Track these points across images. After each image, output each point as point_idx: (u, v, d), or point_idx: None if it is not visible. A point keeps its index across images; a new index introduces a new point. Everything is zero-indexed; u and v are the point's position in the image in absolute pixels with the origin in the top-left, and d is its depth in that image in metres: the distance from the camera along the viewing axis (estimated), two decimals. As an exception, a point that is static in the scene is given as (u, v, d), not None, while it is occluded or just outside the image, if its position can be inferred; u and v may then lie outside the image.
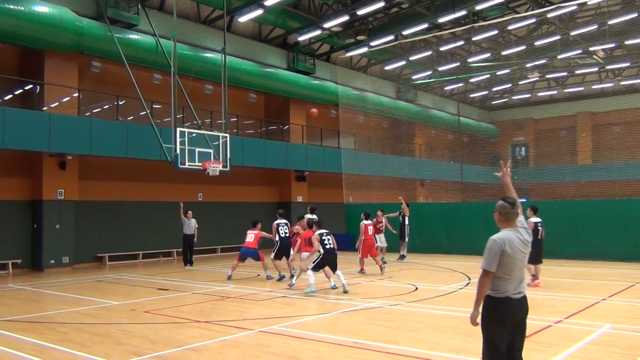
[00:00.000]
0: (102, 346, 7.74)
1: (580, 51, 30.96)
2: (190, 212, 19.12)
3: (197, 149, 17.89)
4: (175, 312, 10.40)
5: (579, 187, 34.75)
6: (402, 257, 19.73)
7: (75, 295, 12.72)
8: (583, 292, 12.20)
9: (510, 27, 28.03)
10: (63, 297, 12.62)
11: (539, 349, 7.23)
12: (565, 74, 37.78)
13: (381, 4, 22.90)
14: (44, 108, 18.65)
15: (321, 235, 12.74)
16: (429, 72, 34.51)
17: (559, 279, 14.79)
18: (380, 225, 19.01)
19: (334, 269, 12.68)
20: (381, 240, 18.91)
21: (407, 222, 19.68)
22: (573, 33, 28.32)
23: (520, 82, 39.52)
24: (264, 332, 8.47)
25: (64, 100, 19.35)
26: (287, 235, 15.16)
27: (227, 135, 18.80)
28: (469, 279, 14.51)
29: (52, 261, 18.65)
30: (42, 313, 10.52)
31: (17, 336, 8.48)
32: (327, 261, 12.61)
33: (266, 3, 21.43)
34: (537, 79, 38.31)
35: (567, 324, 8.83)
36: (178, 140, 17.17)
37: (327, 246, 12.57)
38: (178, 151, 17.18)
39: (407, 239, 19.78)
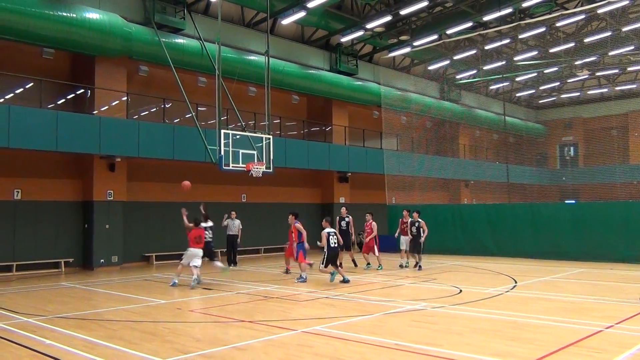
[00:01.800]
0: (150, 344, 7.93)
1: (632, 47, 29.93)
2: (234, 212, 19.37)
3: (241, 151, 18.10)
4: (220, 312, 10.56)
5: (631, 187, 33.56)
6: (419, 267, 17.43)
7: (124, 294, 13.08)
8: (636, 296, 11.76)
9: (558, 24, 27.33)
10: (112, 295, 12.99)
11: (589, 355, 7.03)
12: (616, 71, 36.60)
13: (425, 3, 22.68)
14: (95, 112, 19.25)
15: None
16: (474, 72, 34.00)
17: (610, 282, 14.35)
18: (405, 226, 18.00)
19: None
20: (406, 243, 17.98)
21: (422, 234, 17.23)
22: (625, 29, 27.40)
23: (569, 80, 38.50)
24: (307, 333, 8.51)
25: (114, 104, 19.95)
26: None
27: (271, 136, 18.96)
28: (515, 282, 14.22)
29: (102, 260, 19.22)
30: (93, 310, 10.85)
31: (69, 332, 8.78)
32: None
33: (309, 5, 21.54)
34: (586, 76, 37.23)
35: (618, 329, 8.55)
36: (222, 142, 17.41)
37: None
38: (222, 153, 17.42)
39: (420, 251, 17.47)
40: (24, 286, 14.95)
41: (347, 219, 17.79)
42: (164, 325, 9.31)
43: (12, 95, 18.97)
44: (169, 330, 8.84)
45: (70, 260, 19.17)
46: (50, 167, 19.07)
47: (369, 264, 18.16)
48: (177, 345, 7.79)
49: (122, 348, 7.67)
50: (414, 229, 17.27)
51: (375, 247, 17.80)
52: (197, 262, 13.97)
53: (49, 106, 18.94)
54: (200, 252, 14.14)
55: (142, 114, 21.81)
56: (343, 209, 18.48)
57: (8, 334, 8.69)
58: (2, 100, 18.58)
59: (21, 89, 19.09)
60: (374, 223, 17.90)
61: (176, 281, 14.18)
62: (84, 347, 7.75)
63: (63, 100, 20.05)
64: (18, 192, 18.38)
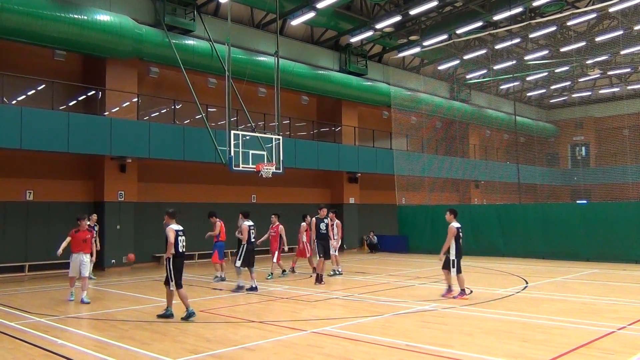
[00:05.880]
0: (160, 344, 7.97)
1: (644, 46, 29.69)
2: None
3: (251, 151, 18.15)
4: (230, 312, 10.59)
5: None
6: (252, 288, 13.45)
7: (135, 294, 13.14)
8: (648, 298, 11.67)
9: (569, 23, 27.14)
10: (123, 296, 13.05)
11: (601, 356, 6.98)
12: (628, 70, 36.27)
13: (434, 3, 22.60)
14: (105, 113, 19.36)
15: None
16: (484, 71, 33.85)
17: (623, 283, 14.23)
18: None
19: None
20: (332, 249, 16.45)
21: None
22: (637, 27, 27.18)
23: (580, 80, 38.21)
24: (317, 333, 8.51)
25: (124, 105, 20.06)
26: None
27: (280, 137, 18.99)
28: (526, 283, 14.14)
29: (113, 260, 19.33)
30: (104, 311, 10.91)
31: (80, 332, 8.85)
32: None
33: (318, 5, 21.54)
34: (598, 76, 36.95)
35: (630, 331, 8.48)
36: (232, 142, 17.46)
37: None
38: (232, 154, 17.47)
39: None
40: (36, 286, 15.07)
41: (326, 221, 15.12)
42: (174, 325, 9.34)
43: (24, 97, 19.13)
44: (179, 331, 8.87)
45: (82, 260, 19.26)
46: (61, 168, 19.21)
47: (284, 271, 16.57)
48: (187, 346, 7.82)
49: (133, 348, 7.71)
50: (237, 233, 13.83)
51: (277, 252, 16.04)
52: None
53: (61, 108, 19.08)
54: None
55: (152, 115, 21.91)
56: (323, 210, 15.32)
57: (21, 333, 8.77)
58: (14, 102, 18.74)
59: (33, 91, 19.24)
60: (281, 226, 16.17)
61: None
62: (96, 347, 7.80)
63: (74, 101, 20.18)
64: (30, 193, 18.53)
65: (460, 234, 11.90)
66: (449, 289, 11.93)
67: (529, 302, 11.39)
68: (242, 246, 13.28)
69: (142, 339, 8.25)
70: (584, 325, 8.89)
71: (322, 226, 14.78)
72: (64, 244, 12.32)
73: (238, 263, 13.19)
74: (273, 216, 16.53)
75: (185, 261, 10.12)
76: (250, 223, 13.43)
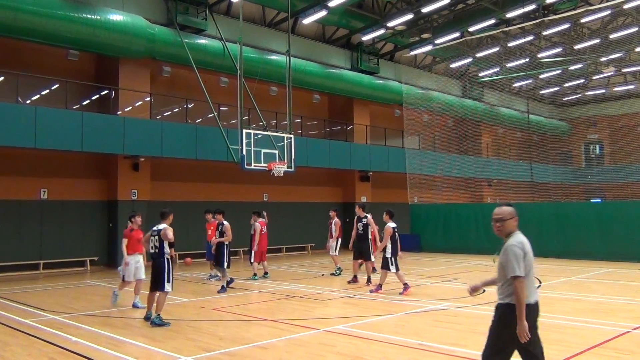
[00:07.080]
0: (173, 341, 8.01)
1: (660, 43, 29.33)
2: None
3: (263, 150, 18.15)
4: (243, 310, 10.62)
5: (659, 186, 32.88)
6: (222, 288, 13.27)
7: (148, 292, 13.19)
8: (664, 298, 11.54)
9: (583, 20, 26.90)
10: (137, 294, 13.12)
11: (616, 356, 6.91)
12: (643, 67, 35.88)
13: (446, 1, 22.52)
14: (119, 112, 19.49)
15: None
16: (497, 69, 33.62)
17: (638, 282, 14.08)
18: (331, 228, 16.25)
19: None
20: (332, 248, 16.27)
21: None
22: (652, 24, 26.90)
23: (594, 77, 37.84)
24: (329, 332, 8.51)
25: (137, 104, 20.18)
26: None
27: (292, 136, 18.97)
28: (540, 282, 14.03)
29: (127, 259, 19.42)
30: (118, 308, 10.98)
31: (94, 330, 8.91)
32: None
33: (330, 4, 21.52)
34: (612, 73, 36.56)
35: (646, 331, 8.39)
36: (244, 141, 17.47)
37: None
38: (244, 152, 17.48)
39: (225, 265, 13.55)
40: (50, 284, 15.21)
41: (364, 220, 14.24)
42: (187, 323, 9.39)
43: (38, 96, 19.30)
44: (192, 328, 8.91)
45: (96, 258, 19.43)
46: (75, 167, 19.36)
47: (266, 273, 15.74)
48: (200, 343, 7.85)
49: (146, 345, 7.76)
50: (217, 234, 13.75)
51: (253, 251, 15.24)
52: None
53: (74, 107, 19.23)
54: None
55: (165, 114, 22.03)
56: (358, 208, 14.64)
57: (36, 331, 8.85)
58: (28, 101, 18.92)
59: (47, 91, 19.41)
60: (257, 225, 15.37)
61: None
62: (110, 345, 7.85)
63: (88, 101, 20.33)
64: (44, 191, 18.70)
65: (396, 234, 12.53)
66: (380, 287, 12.52)
67: (543, 301, 11.20)
68: (226, 247, 13.47)
69: (155, 337, 8.30)
70: (598, 325, 8.81)
71: (360, 226, 14.07)
72: (124, 249, 10.90)
73: (225, 264, 13.31)
74: (253, 215, 16.28)
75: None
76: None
